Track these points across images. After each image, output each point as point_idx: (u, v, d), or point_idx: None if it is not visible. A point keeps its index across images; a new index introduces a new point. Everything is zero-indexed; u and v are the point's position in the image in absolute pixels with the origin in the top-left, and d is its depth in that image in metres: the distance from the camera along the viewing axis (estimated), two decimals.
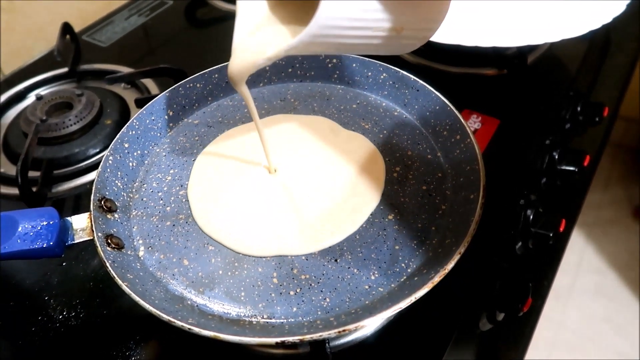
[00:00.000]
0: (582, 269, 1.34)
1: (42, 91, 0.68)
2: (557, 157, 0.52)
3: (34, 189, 0.52)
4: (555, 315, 1.25)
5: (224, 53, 0.52)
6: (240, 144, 0.48)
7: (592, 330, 1.23)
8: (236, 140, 0.49)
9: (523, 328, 0.47)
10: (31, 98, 0.67)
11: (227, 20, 0.81)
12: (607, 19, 0.57)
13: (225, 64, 0.51)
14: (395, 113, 0.49)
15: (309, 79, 0.54)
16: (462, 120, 0.44)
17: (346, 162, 0.45)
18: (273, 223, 0.41)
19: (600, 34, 0.59)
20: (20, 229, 0.36)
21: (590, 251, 1.37)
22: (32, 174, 0.53)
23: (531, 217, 0.48)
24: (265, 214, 0.42)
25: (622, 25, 0.62)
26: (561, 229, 0.48)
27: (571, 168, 0.53)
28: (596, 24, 0.56)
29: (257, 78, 0.53)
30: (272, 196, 0.43)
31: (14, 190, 0.53)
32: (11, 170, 0.57)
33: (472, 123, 0.57)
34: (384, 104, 0.50)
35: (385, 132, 0.48)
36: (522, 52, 0.62)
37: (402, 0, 0.30)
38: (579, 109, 0.58)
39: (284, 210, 0.42)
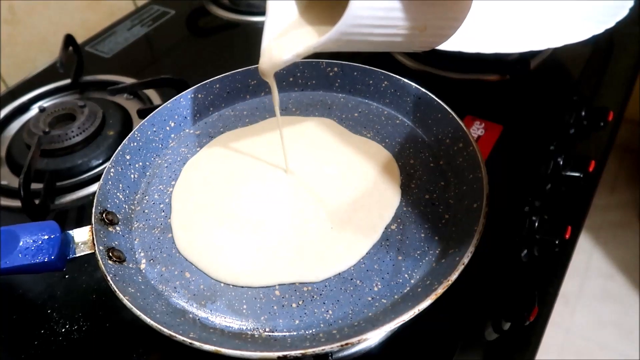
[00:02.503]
0: (589, 273, 1.32)
1: (45, 103, 0.68)
2: (561, 162, 0.52)
3: (37, 201, 0.52)
4: (562, 320, 1.24)
5: (226, 63, 0.52)
6: (233, 152, 0.47)
7: (600, 335, 1.21)
8: (229, 148, 0.47)
9: (530, 337, 0.46)
10: (34, 110, 0.67)
11: (229, 29, 0.82)
12: (610, 23, 0.57)
13: (226, 74, 0.52)
14: (397, 121, 0.49)
15: (310, 88, 0.53)
16: (465, 128, 0.43)
17: (357, 173, 0.44)
18: (276, 250, 0.39)
19: (604, 37, 0.59)
20: (21, 243, 0.36)
21: (598, 255, 1.36)
22: (35, 185, 0.53)
23: (536, 223, 0.47)
24: (267, 239, 0.40)
25: (625, 29, 0.61)
26: (567, 236, 0.47)
27: (576, 174, 0.52)
28: (599, 29, 0.56)
29: (258, 87, 0.53)
30: (275, 215, 0.41)
31: (17, 203, 0.53)
32: (14, 182, 0.57)
33: (475, 129, 0.56)
34: (385, 112, 0.50)
35: (387, 140, 0.47)
36: (525, 58, 0.62)
37: (426, 0, 0.31)
38: (583, 113, 0.57)
39: (288, 233, 0.40)
